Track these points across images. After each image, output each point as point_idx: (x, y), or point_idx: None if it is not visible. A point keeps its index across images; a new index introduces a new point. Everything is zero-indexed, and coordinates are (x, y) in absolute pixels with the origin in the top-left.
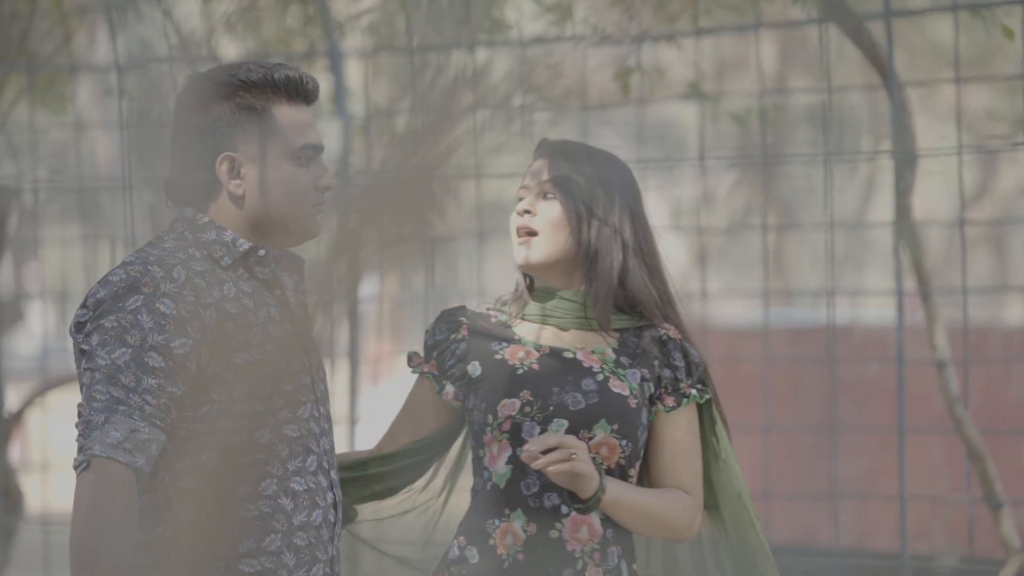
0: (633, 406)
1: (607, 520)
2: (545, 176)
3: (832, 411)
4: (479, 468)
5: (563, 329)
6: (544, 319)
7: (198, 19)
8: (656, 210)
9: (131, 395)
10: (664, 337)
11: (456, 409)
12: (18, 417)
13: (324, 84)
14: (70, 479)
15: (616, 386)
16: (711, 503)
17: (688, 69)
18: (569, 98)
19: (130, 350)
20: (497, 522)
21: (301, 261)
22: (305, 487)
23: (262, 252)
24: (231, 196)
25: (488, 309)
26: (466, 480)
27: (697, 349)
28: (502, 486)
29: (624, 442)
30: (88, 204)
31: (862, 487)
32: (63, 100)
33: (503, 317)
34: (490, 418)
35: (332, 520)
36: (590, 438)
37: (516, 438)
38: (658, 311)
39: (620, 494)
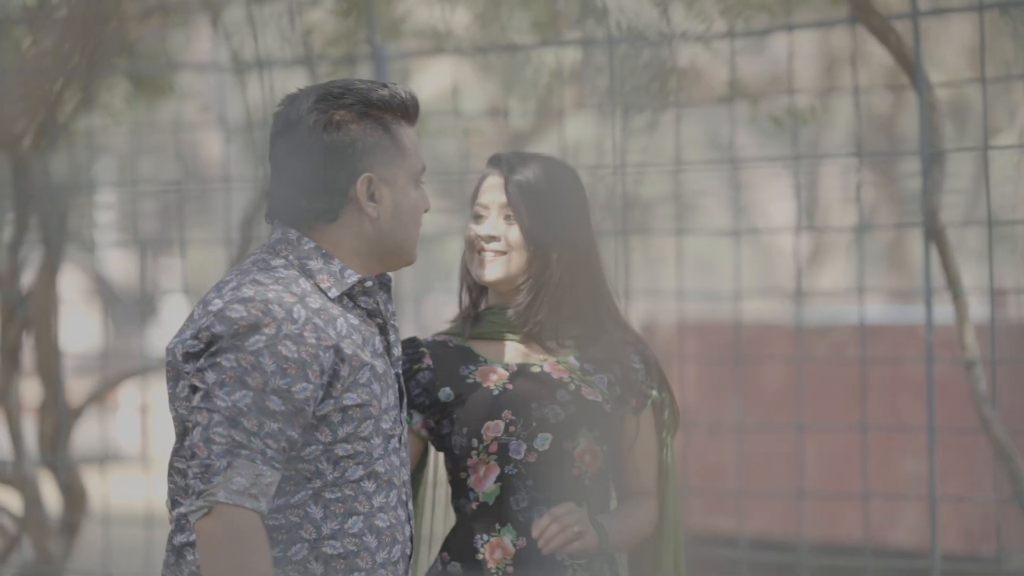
0: (608, 411)
1: None
2: (504, 198)
3: (864, 411)
4: (461, 490)
5: (520, 342)
6: (501, 333)
7: (246, 26)
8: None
9: (253, 439)
10: (619, 341)
11: (424, 438)
12: (78, 413)
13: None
14: (129, 475)
15: (589, 393)
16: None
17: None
18: (693, 93)
19: (252, 393)
20: (486, 537)
21: (389, 280)
22: (387, 523)
23: (368, 283)
24: (364, 218)
25: (436, 336)
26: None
27: (649, 348)
28: (491, 503)
29: (604, 447)
30: (209, 204)
31: (924, 488)
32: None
33: (458, 340)
34: (475, 442)
35: (408, 554)
36: (574, 447)
37: (504, 457)
38: (607, 316)
39: (616, 534)
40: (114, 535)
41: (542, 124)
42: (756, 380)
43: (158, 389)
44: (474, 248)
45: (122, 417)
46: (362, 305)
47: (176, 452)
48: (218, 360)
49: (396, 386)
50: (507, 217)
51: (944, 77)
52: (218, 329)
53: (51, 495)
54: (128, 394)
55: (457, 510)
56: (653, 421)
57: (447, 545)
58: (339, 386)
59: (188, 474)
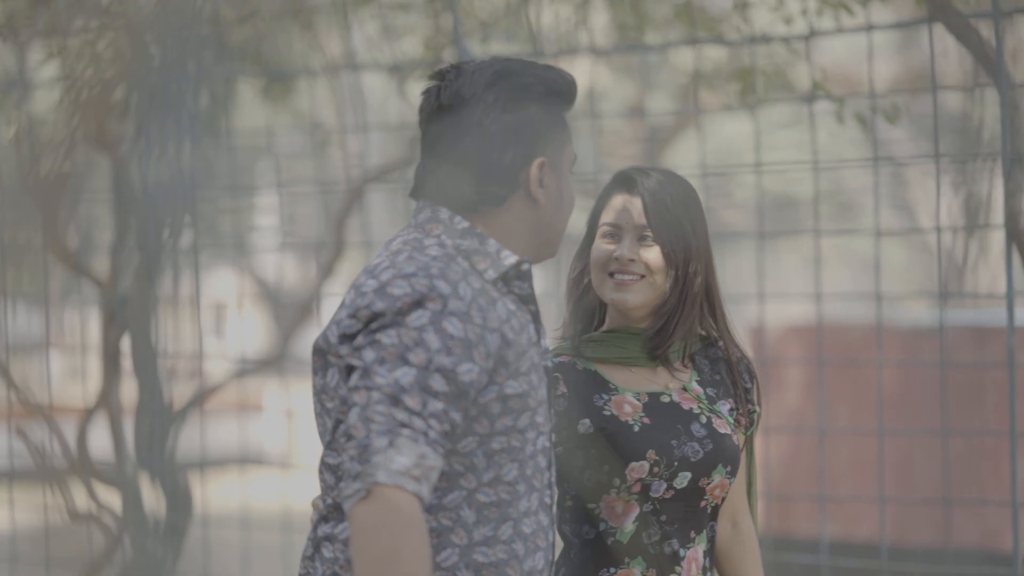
0: (736, 442)
1: (706, 552)
2: (642, 220)
3: (943, 415)
4: (584, 517)
5: (642, 366)
6: (628, 359)
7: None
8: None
9: (415, 419)
10: (734, 358)
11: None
12: (183, 416)
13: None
14: (227, 478)
15: (720, 426)
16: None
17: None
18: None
19: (414, 370)
20: (613, 570)
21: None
22: (532, 529)
23: (525, 266)
24: (529, 204)
25: (560, 356)
26: None
27: (749, 359)
28: (625, 541)
29: (731, 479)
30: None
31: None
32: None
33: (583, 363)
34: (617, 481)
35: (551, 560)
36: (708, 483)
37: (644, 496)
38: (720, 328)
39: None
40: (253, 538)
41: (681, 123)
42: (866, 382)
43: (301, 390)
44: (606, 269)
45: (266, 420)
46: (516, 291)
47: (328, 446)
48: (377, 337)
49: (547, 379)
50: (641, 238)
51: None
52: (379, 306)
53: (154, 497)
54: (272, 396)
55: (573, 535)
56: (750, 437)
57: (561, 571)
58: (504, 373)
59: (343, 462)
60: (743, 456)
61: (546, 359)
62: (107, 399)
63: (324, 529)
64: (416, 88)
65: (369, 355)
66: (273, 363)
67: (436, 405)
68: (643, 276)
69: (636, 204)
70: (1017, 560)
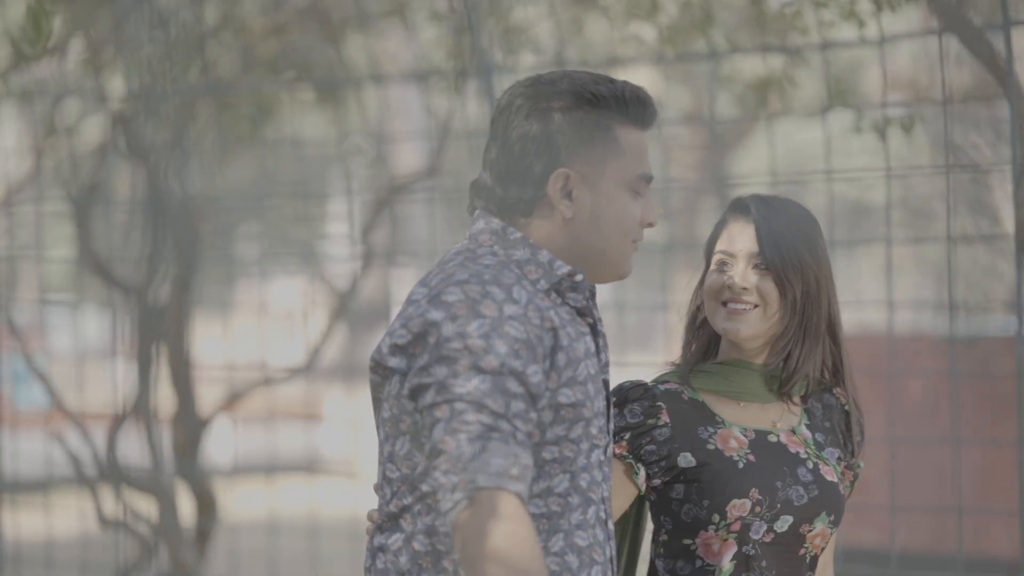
0: (842, 492)
1: None
2: (755, 246)
3: (955, 424)
4: (680, 552)
5: (751, 402)
6: (740, 393)
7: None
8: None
9: (501, 421)
10: (847, 408)
11: (642, 494)
12: (209, 423)
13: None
14: (255, 485)
15: (828, 473)
16: None
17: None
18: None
19: (490, 376)
20: None
21: (594, 288)
22: (587, 542)
23: (579, 277)
24: (557, 217)
25: (667, 384)
26: None
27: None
28: None
29: (833, 528)
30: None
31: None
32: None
33: (691, 393)
34: (716, 517)
35: None
36: (810, 530)
37: (744, 537)
38: (839, 375)
39: None
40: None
41: (744, 129)
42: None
43: (363, 398)
44: (719, 299)
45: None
46: (571, 303)
47: (389, 458)
48: (443, 351)
49: (604, 393)
50: (756, 267)
51: None
52: (433, 315)
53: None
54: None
55: (667, 570)
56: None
57: None
58: (555, 377)
59: (434, 479)
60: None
61: (605, 372)
62: (141, 407)
63: (379, 539)
64: (441, 99)
65: (441, 370)
66: (337, 371)
67: (518, 406)
68: (756, 305)
69: (749, 231)
70: None
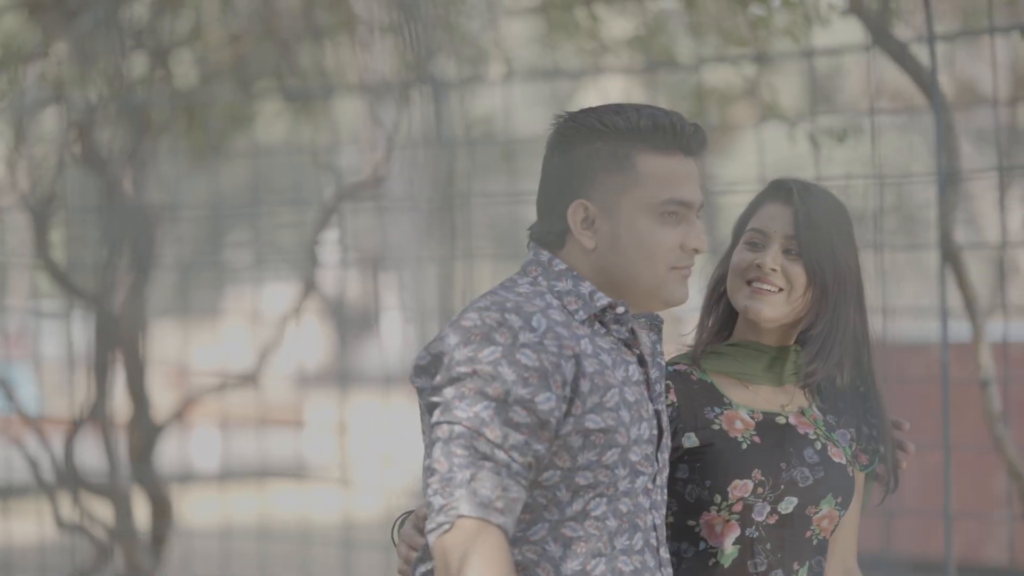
0: (851, 474)
1: None
2: (790, 231)
3: (945, 431)
4: (683, 534)
5: (761, 384)
6: (751, 376)
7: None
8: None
9: (497, 451)
10: (864, 391)
11: None
12: (163, 428)
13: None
14: (209, 490)
15: (835, 455)
16: None
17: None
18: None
19: (494, 403)
20: None
21: (660, 321)
22: (631, 568)
23: (620, 309)
24: (581, 247)
25: (677, 365)
26: None
27: (884, 397)
28: (727, 565)
29: (842, 511)
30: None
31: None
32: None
33: (700, 374)
34: (717, 498)
35: None
36: (816, 512)
37: (746, 519)
38: (865, 374)
39: None
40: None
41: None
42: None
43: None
44: (744, 276)
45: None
46: (614, 334)
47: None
48: (453, 373)
49: (654, 422)
50: (787, 250)
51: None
52: (452, 340)
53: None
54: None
55: (671, 553)
56: (864, 477)
57: None
58: (579, 404)
59: (427, 495)
60: (856, 495)
61: (658, 403)
62: (99, 412)
63: (421, 569)
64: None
65: (449, 391)
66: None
67: (517, 437)
68: (781, 289)
69: (787, 214)
70: (949, 565)
